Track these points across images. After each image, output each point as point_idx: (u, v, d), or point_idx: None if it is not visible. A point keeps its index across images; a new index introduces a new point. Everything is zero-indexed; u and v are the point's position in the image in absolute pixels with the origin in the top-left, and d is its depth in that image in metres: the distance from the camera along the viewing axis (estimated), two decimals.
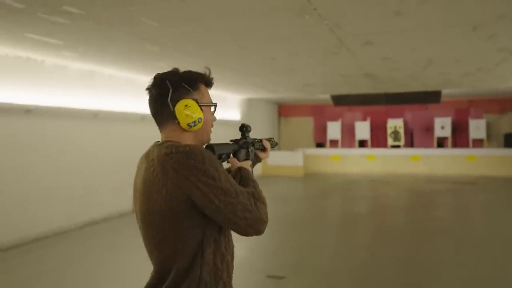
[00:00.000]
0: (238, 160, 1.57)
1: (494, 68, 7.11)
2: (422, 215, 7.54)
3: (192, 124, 1.37)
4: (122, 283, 4.10)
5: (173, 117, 1.36)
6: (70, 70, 6.24)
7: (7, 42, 4.78)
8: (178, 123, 1.36)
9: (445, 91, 11.11)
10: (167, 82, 1.37)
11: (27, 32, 4.33)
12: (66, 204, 6.18)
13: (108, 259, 4.91)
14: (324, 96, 12.32)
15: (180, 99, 1.36)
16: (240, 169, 1.47)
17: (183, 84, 1.38)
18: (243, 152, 1.60)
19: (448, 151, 13.31)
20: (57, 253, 5.19)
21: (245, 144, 1.62)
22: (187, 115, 1.36)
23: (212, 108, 1.47)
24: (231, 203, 1.25)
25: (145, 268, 1.39)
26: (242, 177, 1.43)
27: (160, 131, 1.43)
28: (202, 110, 1.40)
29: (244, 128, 1.63)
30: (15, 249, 5.24)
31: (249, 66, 6.72)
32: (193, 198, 1.25)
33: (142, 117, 7.52)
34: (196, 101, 1.39)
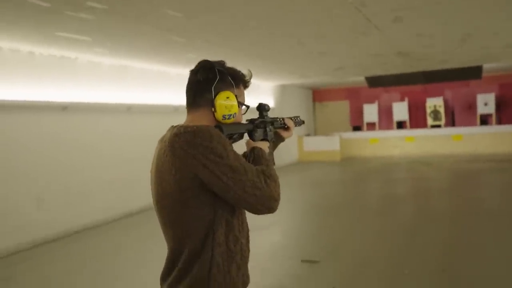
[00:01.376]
0: (253, 140, 1.53)
1: None
2: (465, 196, 7.28)
3: (227, 117, 1.40)
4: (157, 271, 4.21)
5: (211, 104, 1.39)
6: (103, 66, 6.40)
7: (41, 41, 4.95)
8: (214, 111, 1.39)
9: (486, 66, 10.58)
10: (216, 69, 1.40)
11: (57, 31, 4.47)
12: (106, 196, 6.38)
13: (149, 247, 5.05)
14: (359, 79, 12.03)
15: (223, 90, 1.40)
16: (253, 148, 1.46)
17: (228, 77, 1.42)
18: (259, 132, 1.55)
19: (493, 129, 12.72)
20: (97, 244, 5.38)
21: (262, 124, 1.57)
22: (226, 107, 1.39)
23: (244, 110, 1.50)
24: (240, 180, 1.25)
25: None
26: (255, 156, 1.42)
27: (188, 113, 1.45)
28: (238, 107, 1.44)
29: (261, 107, 1.59)
30: (61, 240, 5.48)
31: (277, 52, 6.65)
32: (200, 176, 1.25)
33: (175, 109, 7.63)
34: (236, 97, 1.42)
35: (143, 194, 6.98)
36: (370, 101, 14.66)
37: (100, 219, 6.26)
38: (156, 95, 7.49)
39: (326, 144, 13.39)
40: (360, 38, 5.76)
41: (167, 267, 1.39)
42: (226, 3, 3.81)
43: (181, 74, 7.97)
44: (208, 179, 1.25)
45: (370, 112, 14.45)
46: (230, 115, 1.40)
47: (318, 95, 16.04)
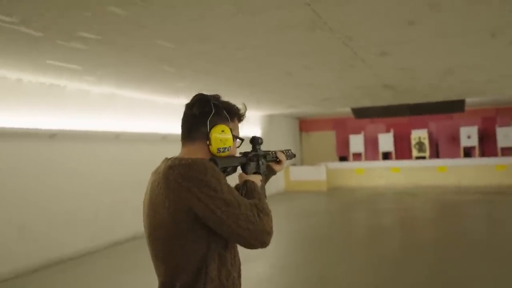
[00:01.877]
0: (246, 173, 1.54)
1: None
2: (450, 227, 7.32)
3: (222, 150, 1.42)
4: None
5: (206, 137, 1.41)
6: (91, 94, 6.41)
7: (30, 69, 4.95)
8: (209, 144, 1.40)
9: (469, 100, 10.86)
10: (211, 103, 1.42)
11: (48, 59, 4.48)
12: (91, 226, 6.27)
13: (131, 279, 4.93)
14: (345, 109, 12.23)
15: (218, 124, 1.42)
16: (246, 181, 1.46)
17: (224, 111, 1.45)
18: (252, 165, 1.57)
19: (476, 161, 12.95)
20: (82, 274, 5.25)
21: (255, 157, 1.58)
22: (220, 140, 1.41)
23: (238, 143, 1.52)
24: (233, 214, 1.25)
25: None
26: (247, 189, 1.43)
27: (183, 146, 1.46)
28: (233, 141, 1.46)
29: (254, 141, 1.61)
30: (41, 272, 5.32)
31: (266, 82, 6.75)
32: (195, 210, 1.25)
33: (163, 137, 7.63)
34: (231, 130, 1.44)
35: (129, 223, 6.92)
36: (356, 131, 14.86)
37: (85, 248, 6.12)
38: (145, 123, 7.49)
39: (313, 174, 13.43)
40: (347, 70, 5.89)
41: None
42: (216, 34, 3.88)
43: (170, 103, 8.00)
44: (202, 213, 1.25)
45: (356, 143, 14.62)
46: (225, 148, 1.42)
47: (305, 125, 16.20)
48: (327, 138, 15.76)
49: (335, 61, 5.31)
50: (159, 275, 1.39)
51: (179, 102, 8.10)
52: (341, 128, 15.37)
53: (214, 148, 1.40)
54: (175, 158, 1.35)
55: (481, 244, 5.96)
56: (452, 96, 9.76)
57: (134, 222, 6.99)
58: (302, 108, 11.33)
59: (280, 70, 5.81)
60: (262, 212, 1.32)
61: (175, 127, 7.77)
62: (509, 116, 13.44)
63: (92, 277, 5.11)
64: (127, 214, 6.96)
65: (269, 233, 1.31)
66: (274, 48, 4.54)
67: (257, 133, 11.96)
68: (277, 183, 13.11)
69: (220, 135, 1.40)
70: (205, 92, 1.49)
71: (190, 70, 5.37)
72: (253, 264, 5.09)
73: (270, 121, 12.99)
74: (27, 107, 5.44)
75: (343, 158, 15.16)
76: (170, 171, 1.30)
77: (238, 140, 1.52)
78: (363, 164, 14.13)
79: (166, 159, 1.40)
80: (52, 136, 5.71)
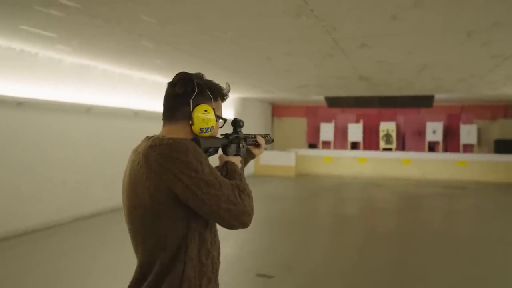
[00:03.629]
0: (227, 155, 1.53)
1: (486, 75, 7.18)
2: (412, 218, 7.60)
3: (204, 130, 1.40)
4: (112, 278, 4.08)
5: (188, 117, 1.38)
6: (63, 63, 6.20)
7: (1, 33, 4.74)
8: (192, 124, 1.38)
9: (437, 96, 11.20)
10: (195, 82, 1.40)
11: (21, 24, 4.30)
12: (57, 198, 6.14)
13: (98, 254, 4.89)
14: (318, 98, 12.35)
15: (201, 103, 1.40)
16: (226, 162, 1.46)
17: (207, 90, 1.42)
18: (233, 147, 1.56)
19: (439, 156, 13.41)
20: (48, 247, 5.16)
21: (236, 139, 1.58)
22: (203, 120, 1.39)
23: (221, 123, 1.50)
24: (215, 195, 1.25)
25: (134, 264, 1.40)
26: (228, 170, 1.43)
27: (164, 125, 1.43)
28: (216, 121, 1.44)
29: (236, 123, 1.60)
30: (5, 242, 5.19)
31: (244, 66, 6.72)
32: (175, 191, 1.24)
33: (136, 113, 7.50)
34: (214, 110, 1.43)
35: (96, 197, 6.82)
36: (327, 120, 15.05)
37: (50, 221, 6.00)
38: (118, 98, 7.33)
39: (282, 159, 13.56)
40: (326, 59, 5.95)
41: (136, 278, 1.36)
42: (200, 14, 3.82)
43: (146, 79, 7.85)
44: (183, 194, 1.25)
45: (327, 131, 14.81)
46: (208, 128, 1.41)
47: (278, 110, 16.27)
48: (298, 125, 15.91)
49: (316, 50, 5.34)
50: (137, 254, 1.38)
51: (154, 79, 7.96)
52: (313, 115, 15.53)
53: (196, 128, 1.39)
54: (156, 138, 1.33)
55: (439, 234, 6.23)
56: (423, 91, 10.03)
57: (102, 197, 6.90)
58: (277, 94, 11.37)
59: (260, 55, 5.80)
60: (243, 192, 1.33)
61: (148, 104, 7.61)
62: (473, 114, 13.95)
63: (56, 251, 5.03)
64: (94, 188, 6.85)
65: (249, 214, 1.32)
66: (257, 33, 4.52)
67: (230, 115, 11.95)
68: (247, 166, 13.16)
69: (203, 115, 1.39)
70: (187, 71, 1.46)
71: (171, 48, 5.27)
72: (221, 245, 5.13)
73: (243, 104, 12.98)
74: None
75: (312, 146, 15.35)
76: (151, 151, 1.28)
77: (220, 120, 1.51)
78: (331, 153, 14.36)
79: (147, 138, 1.37)
80: (20, 104, 5.51)
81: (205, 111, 1.39)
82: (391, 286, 4.10)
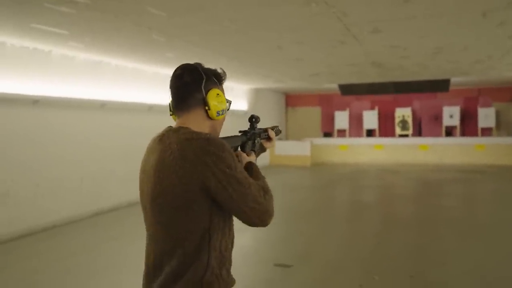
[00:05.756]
0: (245, 151, 1.61)
1: (503, 56, 7.01)
2: (430, 204, 7.51)
3: (221, 113, 1.46)
4: (128, 272, 4.14)
5: (203, 103, 1.43)
6: (77, 60, 6.26)
7: (13, 32, 4.79)
8: (208, 109, 1.43)
9: (454, 80, 10.98)
10: (200, 70, 1.44)
11: (32, 23, 4.33)
12: (75, 194, 6.23)
13: (116, 248, 4.96)
14: (332, 86, 12.24)
15: (212, 88, 1.44)
16: (250, 163, 1.54)
17: (212, 76, 1.47)
18: (249, 144, 1.64)
19: (457, 140, 13.20)
20: (66, 243, 5.25)
21: (253, 136, 1.65)
22: (218, 103, 1.44)
23: (227, 106, 1.54)
24: (244, 193, 1.30)
25: None
26: (254, 171, 1.50)
27: (179, 116, 1.46)
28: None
29: (253, 119, 1.66)
30: (25, 239, 5.30)
31: (256, 56, 6.69)
32: (207, 183, 1.28)
33: (150, 107, 7.54)
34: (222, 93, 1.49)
35: (113, 192, 6.90)
36: (342, 108, 14.92)
37: (69, 216, 6.10)
38: (131, 93, 7.37)
39: (297, 149, 13.52)
40: (338, 46, 5.87)
41: (153, 267, 1.38)
42: (209, 5, 3.80)
43: (158, 72, 7.88)
44: (215, 187, 1.29)
45: (341, 119, 14.69)
46: (223, 110, 1.47)
47: (291, 100, 16.19)
48: (313, 114, 15.81)
49: (327, 37, 5.28)
50: (156, 242, 1.39)
51: (167, 73, 7.98)
52: (327, 104, 15.41)
53: (213, 112, 1.43)
54: (191, 131, 1.36)
55: (458, 220, 6.15)
56: (438, 75, 9.85)
57: (119, 192, 6.99)
58: (289, 83, 11.30)
59: (271, 44, 5.75)
60: (267, 193, 1.39)
61: (162, 98, 7.62)
62: (491, 97, 13.66)
63: (76, 245, 5.12)
64: (112, 183, 6.93)
65: (271, 214, 1.38)
66: (266, 22, 4.48)
67: (244, 106, 11.92)
68: (262, 157, 13.12)
69: (217, 98, 1.44)
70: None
71: (181, 40, 5.27)
72: (238, 236, 5.15)
73: (256, 95, 12.93)
74: (10, 72, 5.29)
75: (327, 134, 15.26)
76: (188, 143, 1.31)
77: (227, 103, 1.54)
78: (347, 141, 14.26)
79: (173, 129, 1.41)
80: (35, 102, 5.59)
81: (217, 94, 1.45)
82: (410, 273, 4.07)
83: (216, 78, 1.48)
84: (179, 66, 1.48)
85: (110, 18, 4.16)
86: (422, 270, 4.16)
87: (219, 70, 1.52)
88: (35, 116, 5.65)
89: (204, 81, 1.42)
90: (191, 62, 1.52)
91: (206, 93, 1.42)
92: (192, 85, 1.42)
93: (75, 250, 4.92)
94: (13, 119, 5.37)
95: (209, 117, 1.44)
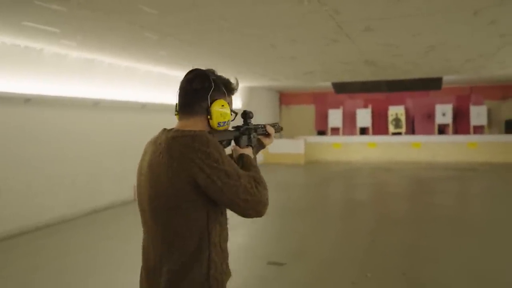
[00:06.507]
0: (239, 146, 1.60)
1: (495, 54, 7.06)
2: (423, 202, 7.55)
3: (222, 124, 1.47)
4: (124, 271, 4.13)
5: (205, 112, 1.45)
6: (69, 58, 6.22)
7: (5, 30, 4.75)
8: (210, 118, 1.44)
9: (446, 78, 11.05)
10: (211, 79, 1.45)
11: (24, 21, 4.31)
12: (68, 193, 6.21)
13: (111, 247, 4.95)
14: (325, 84, 12.26)
15: (218, 98, 1.46)
16: (241, 155, 1.54)
17: (222, 86, 1.48)
18: (244, 139, 1.63)
19: (449, 138, 13.28)
20: (61, 241, 5.23)
21: (247, 131, 1.65)
22: (221, 114, 1.46)
23: (232, 116, 1.55)
24: (234, 185, 1.31)
25: None
26: (244, 162, 1.50)
27: (181, 119, 1.48)
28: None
29: (246, 115, 1.66)
30: (19, 237, 5.28)
31: (249, 54, 6.68)
32: (197, 180, 1.30)
33: (143, 106, 7.52)
34: (228, 104, 1.50)
35: (108, 191, 6.88)
36: (335, 106, 14.96)
37: (63, 215, 6.08)
38: (124, 91, 7.34)
39: (291, 147, 13.54)
40: (331, 45, 5.88)
41: (153, 270, 1.40)
42: (201, 3, 3.80)
43: (151, 71, 7.85)
44: (204, 183, 1.30)
45: (335, 118, 14.74)
46: (224, 122, 1.48)
47: (285, 98, 16.20)
48: (307, 112, 15.84)
49: (320, 35, 5.29)
50: (154, 243, 1.41)
51: (160, 71, 7.96)
52: (321, 102, 15.45)
53: (214, 122, 1.45)
54: (177, 130, 1.39)
55: (451, 217, 6.19)
56: (431, 73, 9.91)
57: (113, 190, 6.97)
58: (283, 81, 11.31)
59: (264, 43, 5.75)
60: (260, 184, 1.39)
61: (155, 96, 7.60)
62: (483, 95, 13.76)
63: (72, 243, 5.10)
64: (106, 182, 6.91)
65: (265, 204, 1.39)
66: (260, 20, 4.48)
67: (238, 104, 11.93)
68: (258, 153, 13.17)
69: (220, 110, 1.45)
70: (192, 62, 1.50)
71: (174, 38, 5.26)
72: (231, 233, 5.16)
73: (250, 93, 12.94)
74: (1, 70, 5.24)
75: (321, 132, 15.30)
76: (174, 142, 1.33)
77: (232, 114, 1.56)
78: (340, 139, 14.30)
79: (166, 130, 1.43)
80: (27, 101, 5.55)
81: (222, 106, 1.46)
82: (402, 270, 4.10)
83: (226, 88, 1.49)
84: (193, 69, 1.50)
85: (102, 17, 4.14)
86: (414, 267, 4.19)
87: (232, 80, 1.54)
88: (27, 114, 5.62)
89: (211, 90, 1.44)
90: (186, 61, 1.52)
91: (211, 103, 1.44)
92: (200, 92, 1.45)
93: (71, 248, 4.91)
94: (4, 118, 5.33)
95: (210, 125, 1.46)
